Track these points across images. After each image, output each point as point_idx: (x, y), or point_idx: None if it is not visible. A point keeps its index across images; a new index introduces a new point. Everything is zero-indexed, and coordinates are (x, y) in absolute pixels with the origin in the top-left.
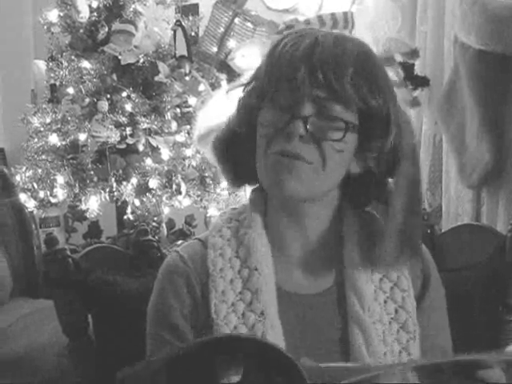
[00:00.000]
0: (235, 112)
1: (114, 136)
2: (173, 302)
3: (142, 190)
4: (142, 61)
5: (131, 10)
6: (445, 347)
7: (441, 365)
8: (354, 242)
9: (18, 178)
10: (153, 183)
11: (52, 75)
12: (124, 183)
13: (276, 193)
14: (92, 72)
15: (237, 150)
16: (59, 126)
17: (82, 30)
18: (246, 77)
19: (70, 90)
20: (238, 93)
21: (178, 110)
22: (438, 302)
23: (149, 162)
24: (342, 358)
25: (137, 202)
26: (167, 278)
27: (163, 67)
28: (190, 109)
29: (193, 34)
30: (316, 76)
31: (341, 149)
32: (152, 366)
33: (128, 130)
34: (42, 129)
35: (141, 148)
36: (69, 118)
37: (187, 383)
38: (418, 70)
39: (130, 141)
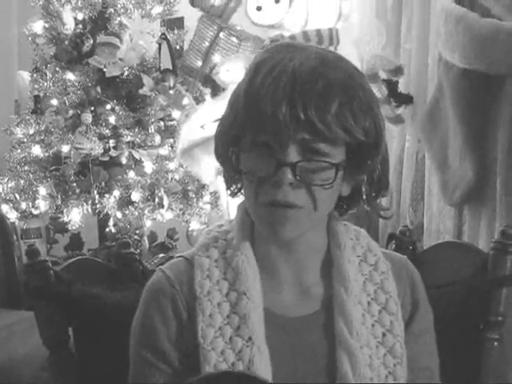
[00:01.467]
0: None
1: (97, 148)
2: (158, 324)
3: (125, 202)
4: (126, 73)
5: (116, 22)
6: (432, 371)
7: None
8: (344, 258)
9: None
10: (135, 196)
11: (36, 86)
12: (106, 196)
13: (272, 240)
14: (76, 84)
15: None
16: (42, 137)
17: (66, 42)
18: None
19: (54, 102)
20: (223, 107)
21: (162, 123)
22: (426, 326)
23: (132, 174)
24: (330, 378)
25: (119, 215)
26: (153, 299)
27: (147, 80)
28: (174, 122)
29: (178, 47)
30: (298, 117)
31: (330, 187)
32: None
33: (111, 143)
34: (25, 140)
35: (124, 161)
36: (52, 130)
37: None
38: (402, 87)
39: (113, 153)
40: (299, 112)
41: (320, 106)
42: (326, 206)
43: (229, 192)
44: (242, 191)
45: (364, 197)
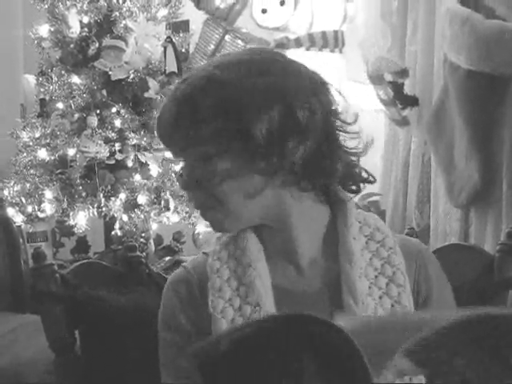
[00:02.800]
0: None
1: (102, 151)
2: (176, 304)
3: (131, 205)
4: (131, 77)
5: (122, 25)
6: None
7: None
8: (349, 235)
9: (6, 192)
10: (141, 199)
11: (42, 90)
12: (112, 199)
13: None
14: (82, 87)
15: None
16: (48, 140)
17: (72, 45)
18: None
19: (60, 105)
20: None
21: None
22: (441, 297)
23: (137, 177)
24: None
25: (125, 218)
26: (171, 287)
27: (153, 83)
28: None
29: (183, 50)
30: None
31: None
32: (221, 345)
33: (117, 146)
34: (30, 143)
35: (130, 164)
36: (58, 133)
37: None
38: (408, 89)
39: (118, 156)
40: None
41: (166, 128)
42: (238, 201)
43: None
44: None
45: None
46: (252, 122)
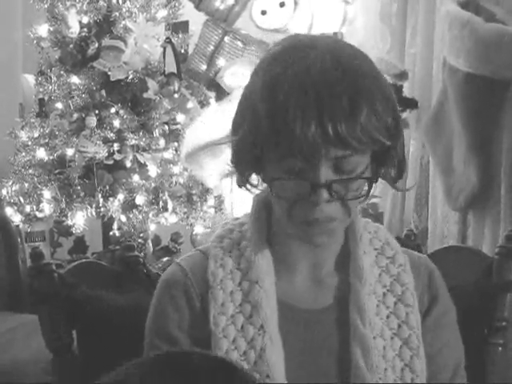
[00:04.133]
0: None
1: (101, 152)
2: (171, 313)
3: (129, 206)
4: (131, 77)
5: (121, 26)
6: (455, 364)
7: None
8: (360, 250)
9: (4, 191)
10: (139, 200)
11: (41, 90)
12: (111, 199)
13: (303, 243)
14: (81, 87)
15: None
16: (47, 140)
17: (71, 46)
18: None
19: (59, 105)
20: (227, 111)
21: (166, 126)
22: (447, 320)
23: (136, 178)
24: (342, 371)
25: (123, 218)
26: (166, 290)
27: (152, 84)
28: (178, 126)
29: (182, 51)
30: (328, 136)
31: (364, 199)
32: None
33: (116, 146)
34: (29, 143)
35: (128, 164)
36: (57, 133)
37: None
38: (407, 91)
39: (117, 157)
40: (329, 130)
41: (349, 120)
42: (357, 211)
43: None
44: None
45: (388, 179)
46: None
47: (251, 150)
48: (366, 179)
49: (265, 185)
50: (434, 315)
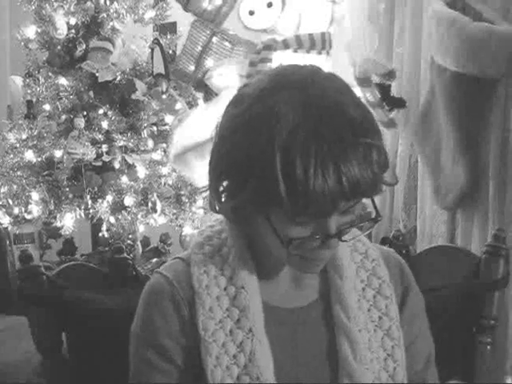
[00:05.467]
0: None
1: (89, 153)
2: (159, 322)
3: (118, 207)
4: (119, 78)
5: (109, 27)
6: (428, 353)
7: None
8: (337, 250)
9: None
10: (128, 201)
11: (29, 91)
12: (99, 200)
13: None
14: (69, 89)
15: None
16: (35, 142)
17: (59, 47)
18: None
19: (47, 107)
20: (216, 112)
21: (155, 128)
22: (418, 311)
23: (124, 179)
24: (331, 367)
25: (112, 220)
26: (152, 301)
27: (140, 85)
28: (167, 127)
29: (170, 52)
30: (345, 192)
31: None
32: None
33: (104, 148)
34: (17, 145)
35: (117, 165)
36: (45, 135)
37: None
38: (395, 91)
39: (105, 158)
40: (346, 188)
41: (364, 173)
42: None
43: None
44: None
45: None
46: None
47: (255, 206)
48: (373, 221)
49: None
50: (408, 306)
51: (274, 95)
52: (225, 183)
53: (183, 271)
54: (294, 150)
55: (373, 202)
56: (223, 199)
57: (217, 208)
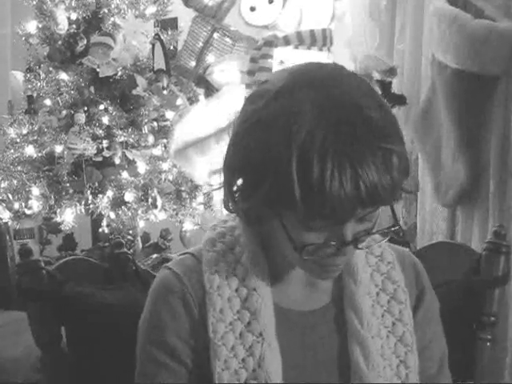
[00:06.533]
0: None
1: (90, 148)
2: (168, 321)
3: (118, 203)
4: (119, 74)
5: (110, 22)
6: (441, 356)
7: None
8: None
9: None
10: (128, 196)
11: (29, 86)
12: (100, 196)
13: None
14: (69, 84)
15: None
16: (35, 137)
17: (60, 42)
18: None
19: (47, 102)
20: (216, 108)
21: (155, 123)
22: (432, 315)
23: (125, 175)
24: (342, 373)
25: (112, 215)
26: (162, 298)
27: (141, 80)
28: (167, 123)
29: (171, 47)
30: (362, 198)
31: None
32: None
33: (105, 143)
34: (18, 140)
35: (117, 161)
36: (45, 130)
37: None
38: (396, 88)
39: (106, 154)
40: (363, 194)
41: (383, 178)
42: None
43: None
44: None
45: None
46: None
47: (269, 207)
48: (392, 232)
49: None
50: (422, 310)
51: (294, 93)
52: (239, 182)
53: (194, 267)
54: (312, 150)
55: (392, 210)
56: (236, 199)
57: (231, 207)
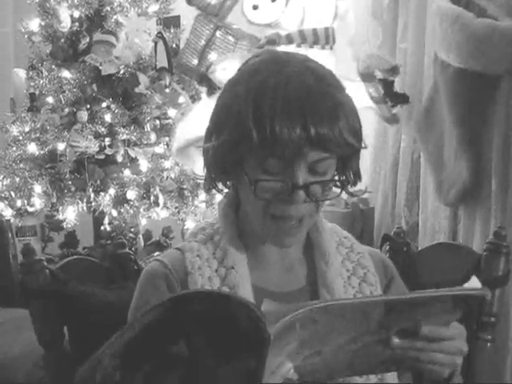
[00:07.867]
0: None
1: (92, 146)
2: (151, 298)
3: (120, 200)
4: (122, 72)
5: (113, 20)
6: None
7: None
8: (323, 239)
9: None
10: (131, 194)
11: (32, 84)
12: (102, 194)
13: (271, 244)
14: (72, 82)
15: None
16: (38, 135)
17: (62, 40)
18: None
19: (50, 100)
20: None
21: (158, 121)
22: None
23: (127, 173)
24: None
25: (114, 213)
26: (147, 281)
27: (143, 78)
28: (170, 121)
29: (174, 46)
30: (311, 137)
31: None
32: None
33: (107, 141)
34: (20, 137)
35: (119, 159)
36: (48, 128)
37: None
38: (398, 86)
39: (108, 151)
40: (312, 133)
41: (329, 125)
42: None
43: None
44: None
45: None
46: None
47: (232, 153)
48: (340, 182)
49: (225, 190)
50: (392, 292)
51: (258, 61)
52: (210, 143)
53: (178, 258)
54: (265, 96)
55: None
56: (209, 161)
57: (208, 181)
